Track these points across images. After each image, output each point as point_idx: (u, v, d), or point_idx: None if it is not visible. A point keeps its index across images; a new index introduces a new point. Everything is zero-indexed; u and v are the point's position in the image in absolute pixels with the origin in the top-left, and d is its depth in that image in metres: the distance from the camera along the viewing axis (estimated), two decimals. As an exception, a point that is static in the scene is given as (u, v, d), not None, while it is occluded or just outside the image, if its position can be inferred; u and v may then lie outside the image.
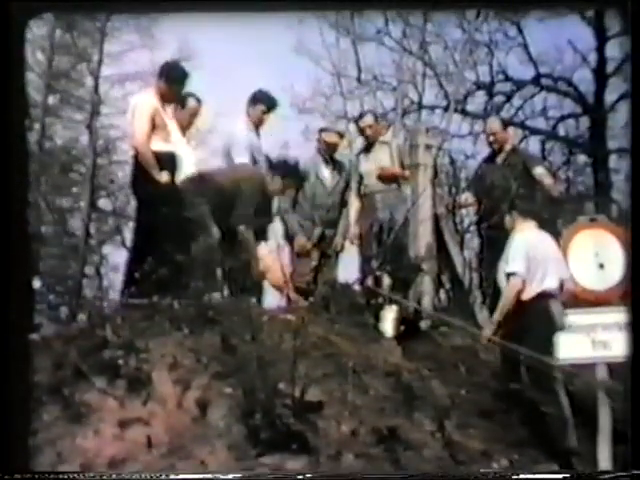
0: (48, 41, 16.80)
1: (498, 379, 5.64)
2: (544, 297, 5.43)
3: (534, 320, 5.35)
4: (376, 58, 16.09)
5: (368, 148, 7.74)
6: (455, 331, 6.31)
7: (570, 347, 5.36)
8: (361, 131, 7.87)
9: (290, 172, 6.71)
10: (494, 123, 7.87)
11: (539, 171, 7.35)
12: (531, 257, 5.45)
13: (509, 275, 5.47)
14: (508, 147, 7.54)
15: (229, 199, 6.40)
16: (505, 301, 5.44)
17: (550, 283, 5.47)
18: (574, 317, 5.49)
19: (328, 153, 7.57)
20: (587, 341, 5.46)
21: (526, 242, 5.56)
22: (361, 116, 8.08)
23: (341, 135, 7.89)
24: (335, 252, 7.54)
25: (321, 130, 7.85)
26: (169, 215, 6.05)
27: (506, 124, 8.09)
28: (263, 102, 7.16)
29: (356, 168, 7.73)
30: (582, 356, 5.40)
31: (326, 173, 7.55)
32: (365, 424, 4.58)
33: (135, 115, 6.37)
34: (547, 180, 7.33)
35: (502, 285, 5.63)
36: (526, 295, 5.43)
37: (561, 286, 5.55)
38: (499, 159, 7.47)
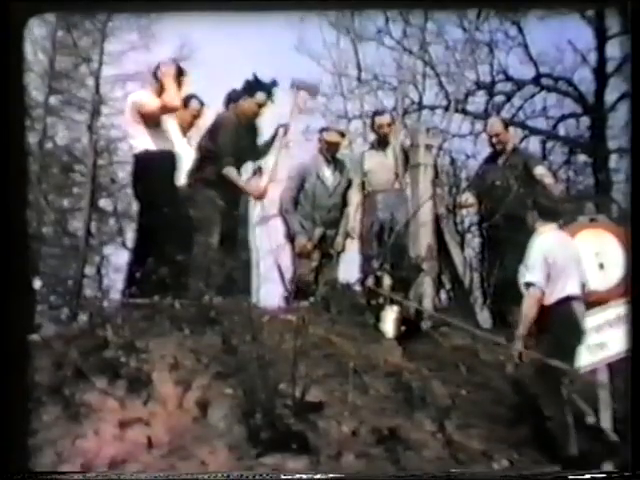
0: (49, 41, 16.80)
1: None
2: (567, 301, 5.24)
3: (557, 324, 5.18)
4: (376, 58, 16.01)
5: (380, 146, 7.68)
6: (456, 331, 6.30)
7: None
8: (378, 128, 7.75)
9: (259, 87, 6.77)
10: (496, 123, 7.86)
11: (540, 171, 7.36)
12: (551, 263, 5.23)
13: (528, 285, 5.25)
14: (509, 147, 7.54)
15: None
16: (526, 313, 5.20)
17: (572, 288, 5.28)
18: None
19: (329, 153, 7.55)
20: (582, 348, 5.45)
21: (545, 247, 5.33)
22: (378, 113, 7.98)
23: (342, 134, 7.86)
24: (336, 252, 7.53)
25: (322, 130, 7.81)
26: (170, 215, 6.05)
27: (507, 124, 8.07)
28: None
29: (361, 165, 7.70)
30: (582, 364, 5.38)
31: (327, 173, 7.53)
32: (365, 424, 4.58)
33: (131, 111, 6.37)
34: (548, 180, 7.33)
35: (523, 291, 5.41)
36: (548, 300, 5.22)
37: (583, 289, 5.37)
38: (500, 160, 7.47)
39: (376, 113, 8.04)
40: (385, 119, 7.70)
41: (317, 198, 7.42)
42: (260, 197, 7.01)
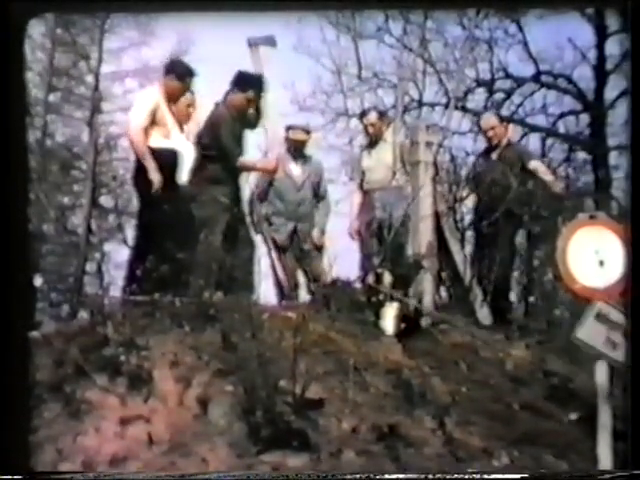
0: (48, 39, 16.83)
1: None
2: None
3: None
4: (376, 55, 16.06)
5: (372, 145, 7.76)
6: (456, 328, 6.31)
7: (588, 332, 5.30)
8: (364, 128, 7.87)
9: (249, 83, 6.83)
10: (490, 118, 7.92)
11: (533, 165, 7.41)
12: None
13: None
14: (504, 142, 7.58)
15: None
16: None
17: None
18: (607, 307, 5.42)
19: (296, 151, 7.64)
20: (603, 335, 5.40)
21: None
22: (365, 113, 8.08)
23: (307, 132, 7.94)
24: (313, 247, 7.62)
25: (288, 128, 7.84)
26: (171, 212, 6.07)
27: (502, 118, 8.12)
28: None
29: (359, 163, 7.77)
30: (594, 344, 5.34)
31: (294, 169, 7.63)
32: (366, 421, 4.58)
33: (134, 109, 6.42)
34: (546, 176, 7.37)
35: None
36: None
37: None
38: (494, 154, 7.52)
39: (362, 114, 8.16)
40: (370, 119, 7.78)
41: (285, 194, 7.54)
42: (274, 171, 7.17)
